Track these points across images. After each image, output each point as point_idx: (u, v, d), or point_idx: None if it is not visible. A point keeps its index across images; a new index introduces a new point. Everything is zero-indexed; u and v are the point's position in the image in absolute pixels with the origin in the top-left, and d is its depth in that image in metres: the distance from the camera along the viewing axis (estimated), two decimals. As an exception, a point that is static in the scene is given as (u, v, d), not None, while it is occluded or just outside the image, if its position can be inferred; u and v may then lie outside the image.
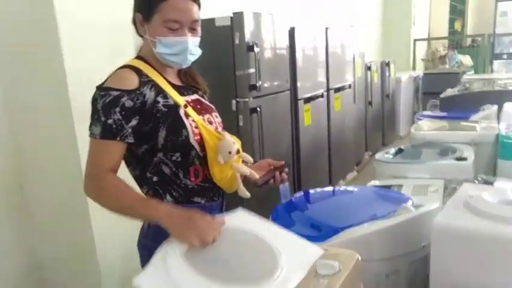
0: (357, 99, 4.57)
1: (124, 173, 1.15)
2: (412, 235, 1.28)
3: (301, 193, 1.63)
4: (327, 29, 3.79)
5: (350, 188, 1.73)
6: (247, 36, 2.62)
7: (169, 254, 0.94)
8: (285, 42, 3.10)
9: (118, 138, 1.05)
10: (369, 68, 5.01)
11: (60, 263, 2.12)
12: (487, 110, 3.04)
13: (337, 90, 4.04)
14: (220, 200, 1.22)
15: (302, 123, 3.38)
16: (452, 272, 0.98)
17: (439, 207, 1.38)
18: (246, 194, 1.19)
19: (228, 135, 1.17)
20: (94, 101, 1.07)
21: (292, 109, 3.28)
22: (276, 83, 3.00)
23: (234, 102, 2.67)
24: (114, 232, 2.05)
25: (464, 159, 2.10)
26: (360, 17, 6.22)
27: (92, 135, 1.06)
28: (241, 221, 1.08)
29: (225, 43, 2.61)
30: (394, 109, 5.98)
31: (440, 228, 0.99)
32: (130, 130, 1.07)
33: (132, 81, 1.08)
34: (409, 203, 1.41)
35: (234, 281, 0.90)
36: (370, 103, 5.09)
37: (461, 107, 3.49)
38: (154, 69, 1.15)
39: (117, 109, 1.05)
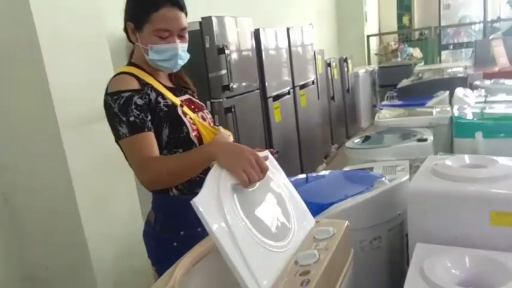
0: (320, 95, 4.79)
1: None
2: (388, 205, 1.45)
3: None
4: (288, 29, 3.97)
5: (327, 173, 1.90)
6: (216, 39, 2.75)
7: (221, 183, 0.95)
8: (250, 43, 3.24)
9: (146, 130, 1.14)
10: (328, 65, 5.25)
11: (53, 270, 2.15)
12: (440, 96, 3.33)
13: (302, 87, 4.24)
14: None
15: (273, 120, 3.53)
16: (426, 226, 1.15)
17: (408, 179, 1.57)
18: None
19: (222, 129, 1.29)
20: (108, 106, 1.15)
21: (263, 107, 3.43)
22: (245, 83, 3.14)
23: (208, 103, 2.79)
24: (106, 234, 2.12)
25: (425, 140, 2.32)
26: (316, 15, 6.49)
27: (121, 136, 1.13)
28: (271, 169, 1.11)
29: (196, 47, 2.72)
30: (354, 102, 6.27)
31: (414, 191, 1.17)
32: (150, 123, 1.16)
33: (134, 83, 1.18)
34: (382, 179, 1.59)
35: (261, 231, 0.97)
36: (333, 98, 5.34)
37: (416, 95, 3.77)
38: (148, 73, 1.25)
39: (133, 107, 1.14)
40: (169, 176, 1.12)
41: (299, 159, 4.14)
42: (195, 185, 1.25)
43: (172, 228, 1.26)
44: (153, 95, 1.20)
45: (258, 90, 3.34)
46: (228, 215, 0.91)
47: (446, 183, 1.14)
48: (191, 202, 0.86)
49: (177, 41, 1.23)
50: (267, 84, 3.45)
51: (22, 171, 2.04)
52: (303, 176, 1.87)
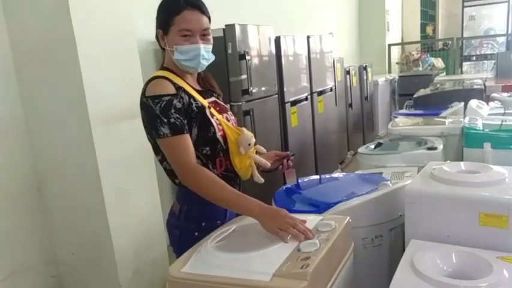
0: (338, 102, 4.88)
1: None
2: (390, 205, 1.55)
3: (298, 180, 1.89)
4: (308, 37, 4.09)
5: (337, 175, 2.01)
6: (238, 45, 2.90)
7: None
8: (271, 50, 3.38)
9: (185, 132, 1.28)
10: (348, 72, 5.34)
11: (78, 256, 2.30)
12: (455, 107, 3.38)
13: (320, 93, 4.34)
14: (238, 186, 1.46)
15: (289, 125, 3.65)
16: (421, 225, 1.25)
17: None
18: (261, 179, 1.44)
19: (246, 130, 1.41)
20: (148, 108, 1.27)
21: (280, 111, 3.55)
22: (264, 88, 3.26)
23: (228, 106, 2.92)
24: (127, 225, 2.27)
25: (435, 148, 2.39)
26: (337, 24, 6.59)
27: (162, 135, 1.26)
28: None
29: (219, 52, 2.86)
30: (372, 110, 6.33)
31: (410, 192, 1.27)
32: (186, 125, 1.29)
33: (171, 87, 1.31)
34: (387, 182, 1.69)
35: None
36: (351, 105, 5.41)
37: (432, 105, 3.82)
38: (178, 76, 1.38)
39: (172, 110, 1.27)
40: (205, 195, 1.27)
41: (314, 164, 4.24)
42: None
43: (195, 220, 1.39)
44: (186, 98, 1.32)
45: (277, 95, 3.47)
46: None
47: (441, 186, 1.24)
48: None
49: (200, 41, 1.34)
50: (285, 89, 3.57)
51: (54, 162, 2.20)
52: (317, 176, 1.98)
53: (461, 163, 1.41)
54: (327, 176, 2.02)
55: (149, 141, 1.38)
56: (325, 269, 1.08)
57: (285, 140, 3.66)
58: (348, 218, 1.27)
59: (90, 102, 2.04)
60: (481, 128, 2.37)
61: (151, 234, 2.43)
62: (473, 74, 5.96)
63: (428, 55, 8.20)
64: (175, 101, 1.28)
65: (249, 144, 1.40)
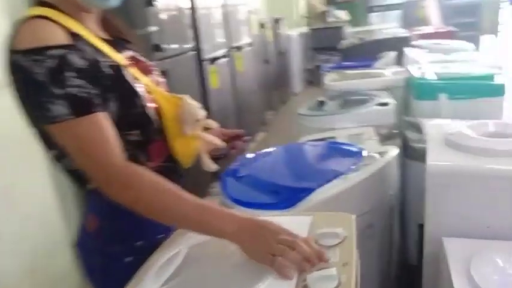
0: (256, 58, 4.46)
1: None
2: (382, 185, 1.21)
3: (246, 156, 1.45)
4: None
5: (293, 146, 1.60)
6: (142, -12, 2.27)
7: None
8: (184, 2, 2.79)
9: (99, 109, 0.76)
10: (262, 26, 4.91)
11: None
12: (386, 57, 3.17)
13: (238, 49, 3.87)
14: (183, 179, 0.98)
15: (210, 86, 3.15)
16: (448, 214, 0.91)
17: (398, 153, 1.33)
18: (213, 166, 0.98)
19: (189, 99, 0.92)
20: (24, 73, 0.72)
21: (198, 71, 3.02)
22: (179, 44, 2.70)
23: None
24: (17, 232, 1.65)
25: (386, 104, 2.12)
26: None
27: (57, 118, 0.73)
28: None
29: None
30: (287, 66, 6.03)
31: (434, 171, 0.91)
32: (98, 97, 0.77)
33: (62, 34, 0.76)
34: (365, 152, 1.33)
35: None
36: (268, 61, 5.04)
37: (359, 56, 3.60)
38: (70, 16, 0.82)
39: (69, 73, 0.73)
40: (148, 213, 0.78)
41: (238, 127, 3.82)
42: None
43: (125, 239, 0.91)
44: (89, 52, 0.79)
45: (193, 52, 2.91)
46: None
47: (475, 159, 0.90)
48: None
49: None
50: (202, 46, 3.03)
51: None
52: (272, 149, 1.55)
53: (486, 122, 1.08)
54: (282, 147, 1.61)
55: (33, 128, 0.82)
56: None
57: (206, 104, 3.16)
58: (353, 217, 0.88)
59: None
60: (434, 78, 2.13)
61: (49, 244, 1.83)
62: (382, 25, 5.95)
63: (333, 7, 8.09)
64: (72, 57, 0.75)
65: (197, 120, 0.92)
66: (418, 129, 1.88)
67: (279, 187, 1.23)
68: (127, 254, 0.90)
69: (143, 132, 0.86)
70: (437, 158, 0.92)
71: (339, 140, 1.66)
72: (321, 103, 2.38)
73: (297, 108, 2.44)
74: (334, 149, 1.44)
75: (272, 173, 1.34)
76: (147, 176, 0.77)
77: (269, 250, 0.70)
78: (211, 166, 1.02)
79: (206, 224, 0.75)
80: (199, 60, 3.02)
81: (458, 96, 2.00)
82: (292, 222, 0.90)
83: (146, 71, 0.94)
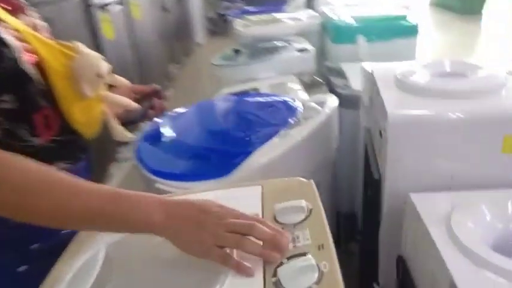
0: (153, 5, 4.02)
1: None
2: (326, 140, 1.08)
3: (162, 117, 1.23)
4: None
5: (216, 102, 1.40)
6: None
7: None
8: None
9: None
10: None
11: None
12: (295, 0, 3.02)
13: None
14: (86, 155, 0.74)
15: (104, 38, 2.72)
16: (408, 166, 0.82)
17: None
18: (127, 135, 0.75)
19: (85, 47, 0.67)
20: None
21: (88, 20, 2.57)
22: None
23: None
24: None
25: (306, 49, 2.00)
26: None
27: None
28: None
29: None
30: (187, 15, 5.61)
31: (396, 120, 0.79)
32: None
33: None
34: (304, 104, 1.19)
35: None
36: (166, 9, 4.59)
37: (263, 1, 3.42)
38: None
39: None
40: (41, 220, 0.53)
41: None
42: (45, 156, 0.63)
43: (14, 244, 0.68)
44: None
45: (78, -3, 2.46)
46: None
47: (439, 103, 0.79)
48: None
49: None
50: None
51: None
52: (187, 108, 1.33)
53: (442, 62, 0.97)
54: (204, 103, 1.40)
55: None
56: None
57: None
58: (312, 182, 0.74)
59: None
60: (351, 20, 2.04)
61: None
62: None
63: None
64: None
65: (99, 76, 0.68)
66: (340, 74, 1.80)
67: (209, 151, 1.04)
68: (20, 261, 0.67)
69: (20, 97, 0.60)
70: (396, 106, 0.80)
71: (264, 91, 1.50)
72: (237, 52, 2.18)
73: (203, 60, 2.21)
74: (265, 102, 1.27)
75: (198, 135, 1.14)
76: (18, 165, 0.52)
77: (215, 241, 0.52)
78: (124, 135, 0.79)
79: (120, 218, 0.53)
80: (86, 7, 2.56)
81: (375, 38, 1.96)
82: (237, 196, 0.74)
83: (16, 9, 0.65)
